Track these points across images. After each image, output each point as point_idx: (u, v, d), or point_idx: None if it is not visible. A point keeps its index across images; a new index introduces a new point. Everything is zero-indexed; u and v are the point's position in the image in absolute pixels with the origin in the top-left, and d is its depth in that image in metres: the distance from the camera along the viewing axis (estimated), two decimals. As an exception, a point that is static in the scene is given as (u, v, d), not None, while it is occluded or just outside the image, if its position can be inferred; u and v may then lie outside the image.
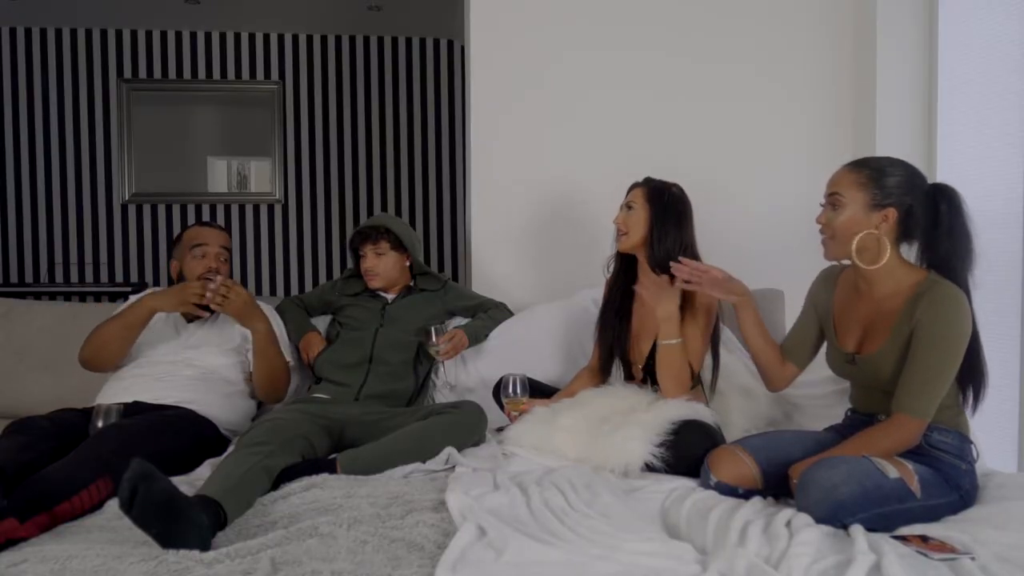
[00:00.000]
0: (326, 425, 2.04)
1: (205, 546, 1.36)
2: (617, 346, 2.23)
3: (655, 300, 2.02)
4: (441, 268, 5.71)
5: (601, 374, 2.28)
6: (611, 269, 2.31)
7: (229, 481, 1.58)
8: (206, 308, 2.21)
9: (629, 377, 2.24)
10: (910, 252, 1.75)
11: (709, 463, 1.75)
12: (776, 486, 1.69)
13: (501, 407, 2.21)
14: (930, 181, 1.73)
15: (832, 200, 1.72)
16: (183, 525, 1.35)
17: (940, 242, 1.68)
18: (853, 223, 1.69)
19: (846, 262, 1.78)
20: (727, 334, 2.46)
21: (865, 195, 1.68)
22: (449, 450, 1.95)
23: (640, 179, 2.24)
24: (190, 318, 2.32)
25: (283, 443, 1.81)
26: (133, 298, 2.40)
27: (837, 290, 1.85)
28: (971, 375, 1.66)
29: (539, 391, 2.28)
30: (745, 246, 3.04)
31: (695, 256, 2.15)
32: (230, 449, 2.02)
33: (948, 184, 1.72)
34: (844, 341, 1.78)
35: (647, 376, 2.18)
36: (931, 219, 1.68)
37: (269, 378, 2.26)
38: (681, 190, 2.19)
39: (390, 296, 2.53)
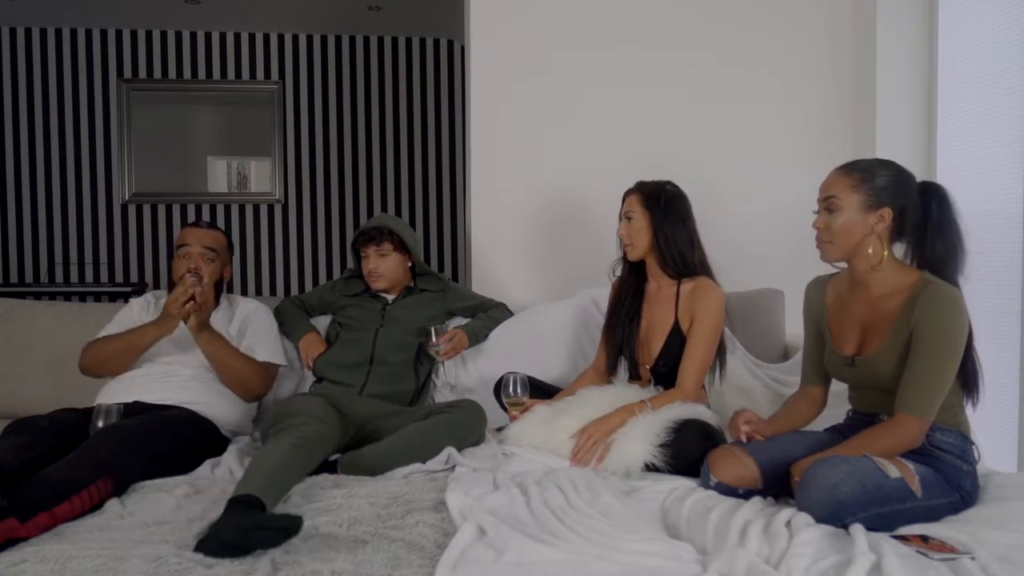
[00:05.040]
0: (344, 424, 2.04)
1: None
2: (626, 347, 2.23)
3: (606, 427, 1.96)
4: (441, 268, 5.71)
5: (607, 374, 2.28)
6: (617, 272, 2.31)
7: (273, 476, 1.61)
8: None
9: (635, 378, 2.24)
10: (900, 251, 1.75)
11: (709, 463, 1.75)
12: (776, 486, 1.69)
13: (502, 406, 2.21)
14: (929, 181, 1.74)
15: (827, 204, 1.72)
16: (239, 552, 1.35)
17: (930, 240, 1.69)
18: (851, 225, 1.69)
19: (841, 265, 1.79)
20: (727, 334, 2.46)
21: (860, 196, 1.68)
22: (449, 450, 1.95)
23: (632, 184, 2.23)
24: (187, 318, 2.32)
25: (325, 425, 1.88)
26: (134, 301, 2.40)
27: (828, 295, 1.85)
28: (966, 373, 1.66)
29: (541, 391, 2.28)
30: (745, 246, 3.05)
31: (699, 245, 2.17)
32: (232, 446, 2.03)
33: (937, 183, 1.73)
34: (842, 345, 1.78)
35: (653, 377, 2.18)
36: (922, 218, 1.69)
37: (234, 380, 2.21)
38: (675, 186, 2.19)
39: (390, 296, 2.53)
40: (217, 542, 1.34)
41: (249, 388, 2.26)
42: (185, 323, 2.13)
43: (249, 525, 1.36)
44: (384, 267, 2.46)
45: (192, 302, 2.09)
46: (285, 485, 1.64)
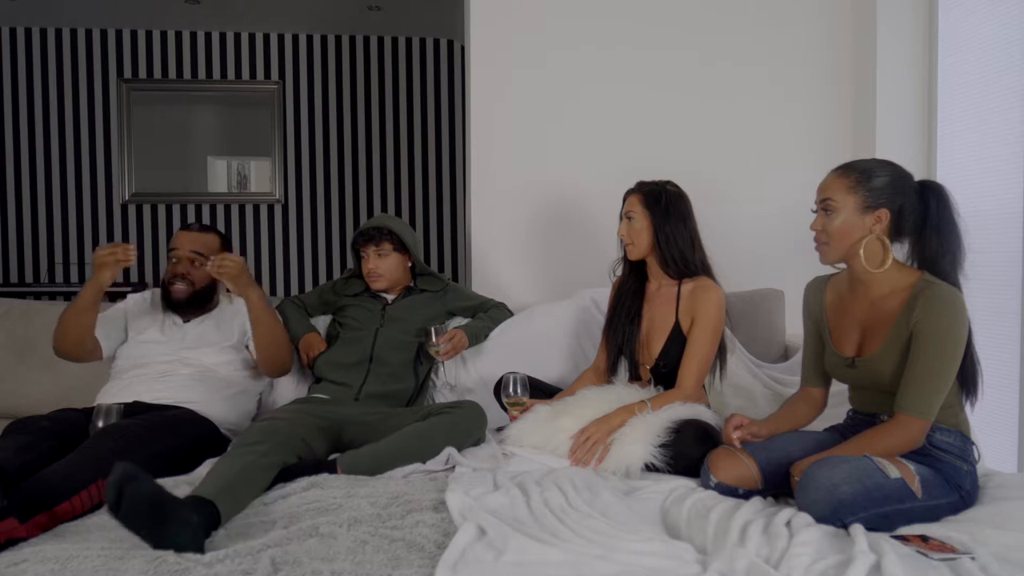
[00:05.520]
0: (325, 426, 2.04)
1: (199, 546, 1.36)
2: (627, 347, 2.23)
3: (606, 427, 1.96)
4: (441, 268, 5.71)
5: (607, 375, 2.27)
6: (618, 272, 2.31)
7: (222, 480, 1.58)
8: (192, 294, 2.28)
9: (635, 378, 2.24)
10: (900, 251, 1.75)
11: (709, 464, 1.75)
12: (776, 486, 1.69)
13: (502, 406, 2.21)
14: (928, 180, 1.74)
15: (824, 205, 1.72)
16: (173, 525, 1.35)
17: (929, 239, 1.68)
18: (848, 227, 1.69)
19: (841, 266, 1.78)
20: (727, 334, 2.46)
21: (856, 198, 1.68)
22: (449, 450, 1.95)
23: (633, 184, 2.23)
24: (187, 318, 2.32)
25: (278, 443, 1.81)
26: (130, 296, 2.42)
27: (828, 296, 1.85)
28: (964, 373, 1.66)
29: (541, 391, 2.28)
30: (745, 246, 3.05)
31: (700, 245, 2.17)
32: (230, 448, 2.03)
33: (936, 181, 1.73)
34: (842, 346, 1.78)
35: (654, 377, 2.17)
36: (920, 217, 1.69)
37: (271, 346, 2.24)
38: (676, 186, 2.19)
39: (390, 296, 2.53)
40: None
41: (282, 358, 2.28)
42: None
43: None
44: (383, 267, 2.46)
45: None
46: (241, 495, 1.61)
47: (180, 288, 2.27)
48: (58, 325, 2.15)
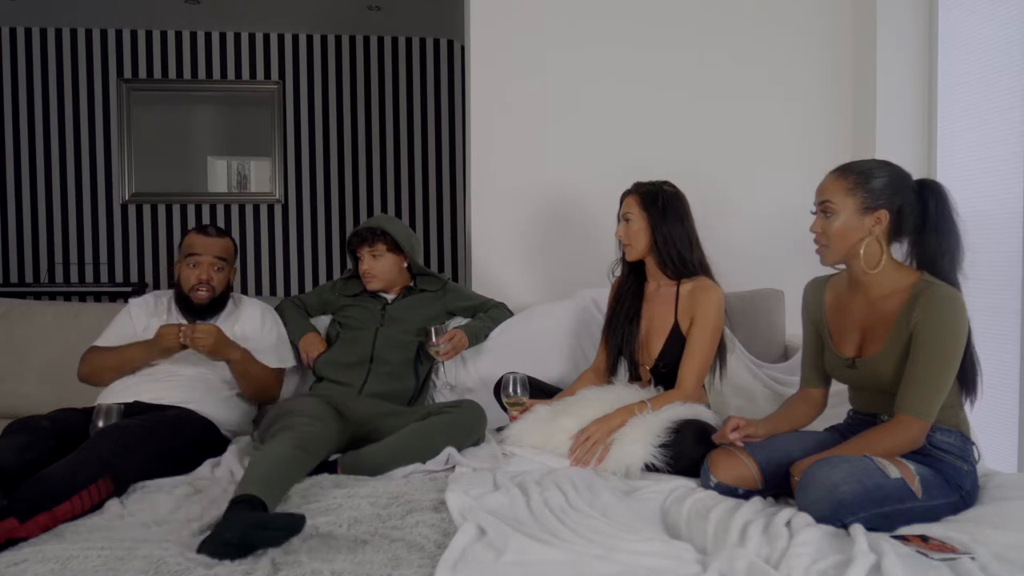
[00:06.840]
0: (342, 427, 2.06)
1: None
2: (626, 348, 2.22)
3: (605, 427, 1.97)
4: (441, 268, 5.71)
5: (607, 375, 2.27)
6: (616, 273, 2.31)
7: (271, 478, 1.61)
8: (211, 299, 2.29)
9: (635, 378, 2.24)
10: (899, 251, 1.75)
11: (709, 464, 1.75)
12: (776, 486, 1.69)
13: (502, 407, 2.21)
14: (927, 179, 1.73)
15: (823, 207, 1.72)
16: (242, 552, 1.35)
17: (929, 239, 1.68)
18: (847, 229, 1.68)
19: (841, 267, 1.78)
20: (728, 334, 2.46)
21: (855, 200, 1.67)
22: (449, 450, 1.95)
23: (630, 185, 2.23)
24: (193, 321, 2.32)
25: (315, 444, 1.83)
26: (132, 304, 2.38)
27: (827, 297, 1.85)
28: (964, 372, 1.66)
29: (541, 391, 2.28)
30: (745, 246, 3.05)
31: (698, 245, 2.17)
32: (232, 446, 2.03)
33: (934, 180, 1.73)
34: (842, 346, 1.78)
35: (653, 378, 2.17)
36: (920, 217, 1.69)
37: (256, 391, 2.30)
38: (673, 187, 2.19)
39: (390, 296, 2.53)
40: (220, 542, 1.34)
41: (270, 396, 2.34)
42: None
43: (252, 524, 1.37)
44: (378, 268, 2.45)
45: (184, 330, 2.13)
46: (285, 485, 1.64)
47: (203, 295, 2.27)
48: (93, 365, 2.20)
